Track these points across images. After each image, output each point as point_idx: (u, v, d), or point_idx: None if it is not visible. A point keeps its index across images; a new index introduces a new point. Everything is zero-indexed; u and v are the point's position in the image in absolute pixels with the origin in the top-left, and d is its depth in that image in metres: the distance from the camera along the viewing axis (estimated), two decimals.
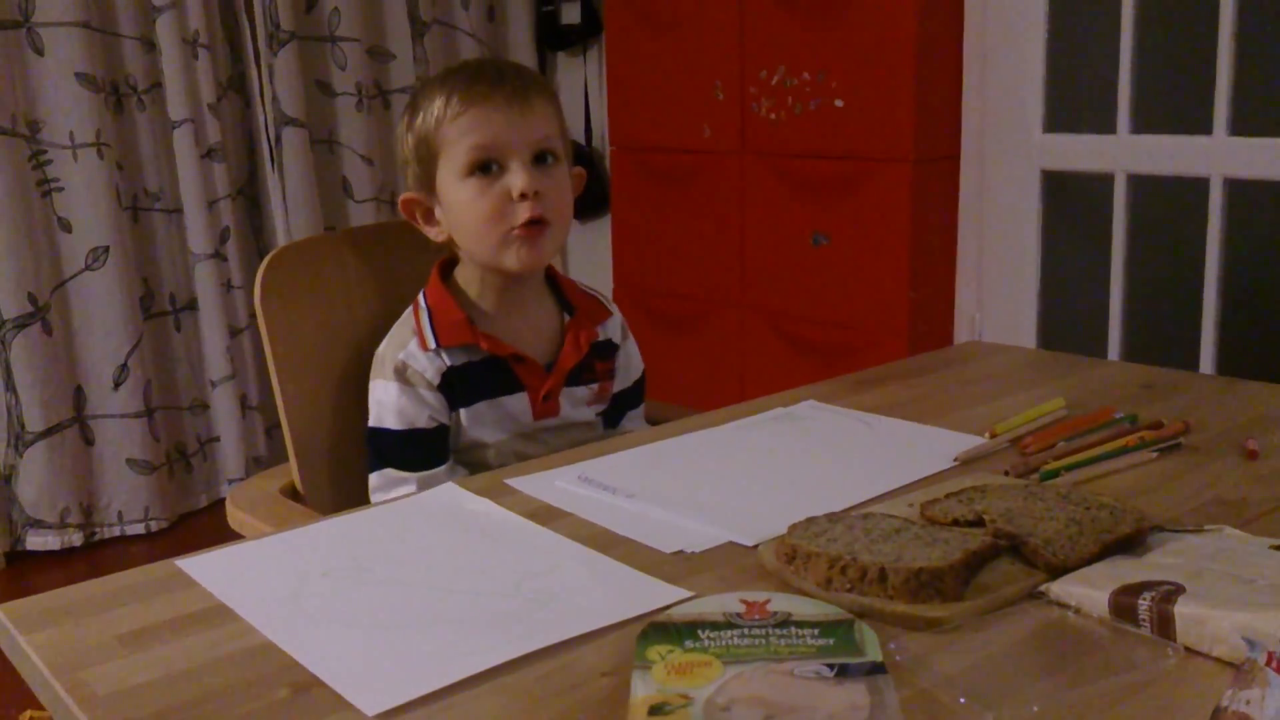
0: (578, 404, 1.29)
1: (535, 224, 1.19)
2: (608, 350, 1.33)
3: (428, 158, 1.22)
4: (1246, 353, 2.30)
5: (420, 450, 1.21)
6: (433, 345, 1.21)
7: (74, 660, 0.71)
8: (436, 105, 1.21)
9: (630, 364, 1.36)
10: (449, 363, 1.22)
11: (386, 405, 1.21)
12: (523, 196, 1.18)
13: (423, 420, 1.21)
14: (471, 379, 1.23)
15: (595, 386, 1.30)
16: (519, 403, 1.24)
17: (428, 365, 1.21)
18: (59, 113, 2.61)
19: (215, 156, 2.83)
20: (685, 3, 2.75)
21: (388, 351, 1.24)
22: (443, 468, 1.21)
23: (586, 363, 1.29)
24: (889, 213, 2.42)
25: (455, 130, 1.19)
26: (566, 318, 1.30)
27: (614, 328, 1.34)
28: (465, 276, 1.28)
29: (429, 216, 1.26)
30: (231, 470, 2.96)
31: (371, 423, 1.23)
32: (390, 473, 1.21)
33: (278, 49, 2.89)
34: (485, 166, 1.19)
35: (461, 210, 1.21)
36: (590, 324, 1.30)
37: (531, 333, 1.28)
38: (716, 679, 0.63)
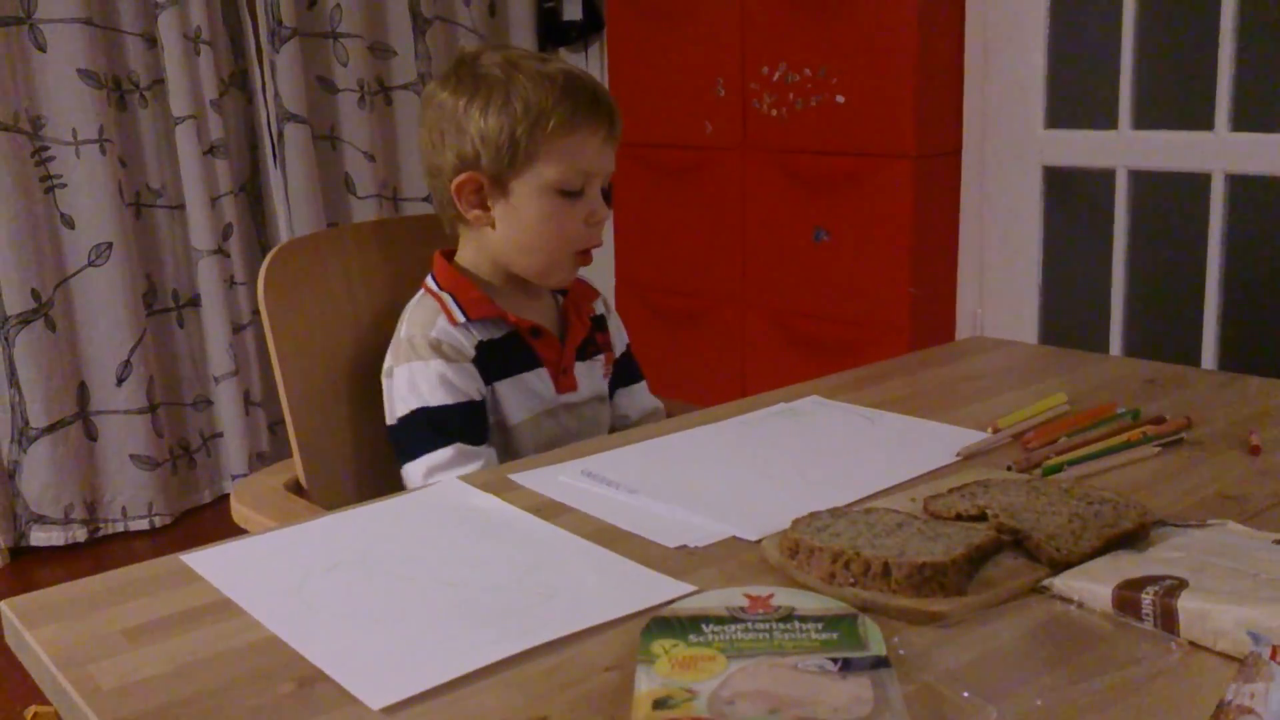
0: (592, 377, 1.32)
1: (587, 253, 1.27)
2: (602, 323, 1.38)
3: (516, 156, 1.20)
4: (1248, 347, 2.30)
5: (476, 422, 1.20)
6: (462, 320, 1.22)
7: (79, 654, 0.71)
8: (549, 119, 1.19)
9: (618, 333, 1.40)
10: (479, 337, 1.23)
11: (431, 382, 1.19)
12: (596, 224, 1.25)
13: (473, 392, 1.20)
14: (498, 355, 1.24)
15: (602, 358, 1.35)
16: (540, 378, 1.26)
17: (463, 339, 1.22)
18: (61, 109, 2.61)
19: (217, 153, 2.83)
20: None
21: (416, 332, 1.22)
22: (486, 448, 1.20)
23: (590, 336, 1.33)
24: (890, 208, 2.42)
25: (559, 147, 1.20)
26: (560, 298, 1.34)
27: (601, 304, 1.39)
28: (472, 263, 1.29)
29: (481, 203, 1.25)
30: (235, 466, 2.96)
31: (415, 405, 1.19)
32: (461, 448, 1.17)
33: (279, 45, 2.89)
34: (571, 189, 1.22)
35: (534, 221, 1.23)
36: (585, 301, 1.35)
37: (537, 313, 1.30)
38: (720, 673, 0.63)
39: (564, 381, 1.28)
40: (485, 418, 1.22)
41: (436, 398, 1.19)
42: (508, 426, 1.24)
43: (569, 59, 3.42)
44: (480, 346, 1.23)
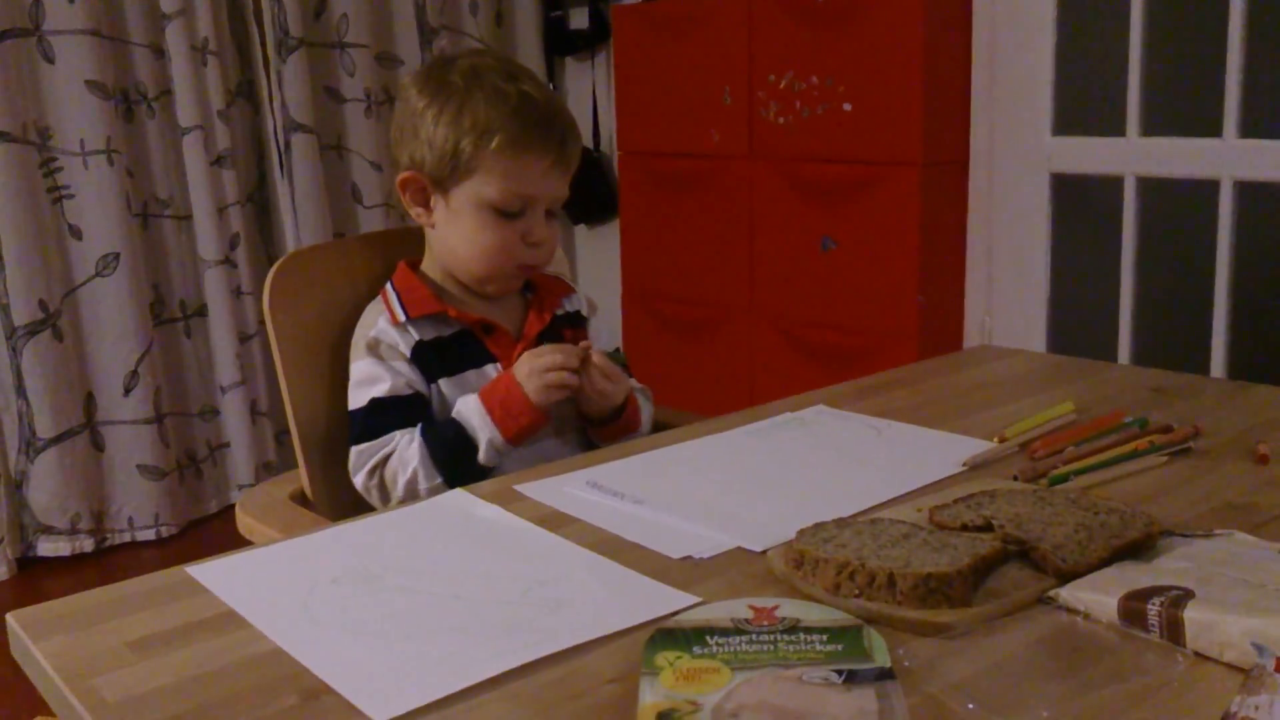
0: None
1: (529, 267, 1.27)
2: (575, 320, 1.37)
3: (457, 168, 1.23)
4: (1257, 356, 2.29)
5: (396, 414, 1.22)
6: (402, 319, 1.24)
7: (84, 667, 0.71)
8: (494, 137, 1.20)
9: (603, 335, 1.38)
10: (418, 337, 1.24)
11: (363, 382, 1.23)
12: (534, 244, 1.25)
13: (401, 388, 1.22)
14: (442, 353, 1.25)
15: None
16: (493, 374, 1.26)
17: (399, 339, 1.24)
18: (69, 120, 2.62)
19: (224, 163, 2.84)
20: (693, 8, 2.76)
21: (359, 333, 1.26)
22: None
23: (554, 332, 1.32)
24: (898, 217, 2.42)
25: (500, 167, 1.21)
26: (527, 295, 1.35)
27: (579, 301, 1.38)
28: (428, 266, 1.32)
29: (424, 202, 1.28)
30: (241, 476, 2.97)
31: (350, 406, 1.24)
32: (365, 446, 1.21)
33: (286, 55, 2.90)
34: (508, 210, 1.23)
35: (470, 232, 1.25)
36: (552, 297, 1.34)
37: (497, 311, 1.31)
38: (725, 685, 0.63)
39: None
40: (411, 409, 1.22)
41: (362, 398, 1.23)
42: None
43: (575, 68, 3.43)
44: (420, 346, 1.24)
